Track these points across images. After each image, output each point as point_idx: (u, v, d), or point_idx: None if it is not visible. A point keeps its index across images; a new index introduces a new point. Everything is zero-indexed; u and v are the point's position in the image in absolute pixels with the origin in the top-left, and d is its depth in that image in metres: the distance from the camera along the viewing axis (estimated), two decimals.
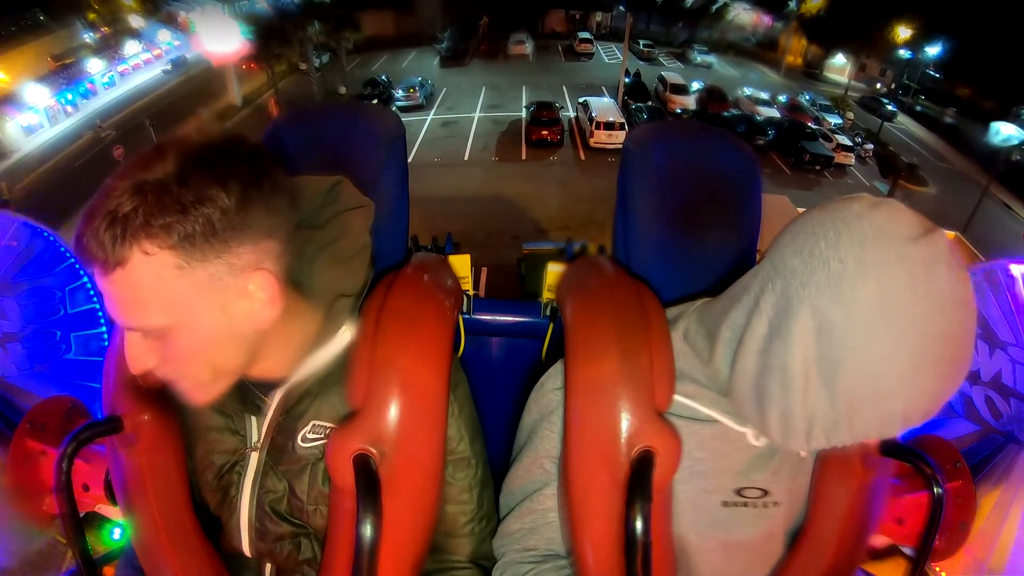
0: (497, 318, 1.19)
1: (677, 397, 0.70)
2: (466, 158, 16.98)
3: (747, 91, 21.83)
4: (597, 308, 0.74)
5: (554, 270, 1.11)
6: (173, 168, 0.56)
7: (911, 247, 0.53)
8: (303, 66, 22.30)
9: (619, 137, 16.86)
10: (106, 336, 1.37)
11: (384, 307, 0.71)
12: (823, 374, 0.57)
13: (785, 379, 0.59)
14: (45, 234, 1.34)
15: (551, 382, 0.79)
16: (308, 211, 0.75)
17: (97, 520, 1.04)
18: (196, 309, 0.61)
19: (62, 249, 1.35)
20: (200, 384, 0.66)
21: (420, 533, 0.73)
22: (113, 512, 0.92)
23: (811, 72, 27.99)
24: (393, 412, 0.67)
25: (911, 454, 0.74)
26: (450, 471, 0.77)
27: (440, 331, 0.73)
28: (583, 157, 16.86)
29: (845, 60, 26.46)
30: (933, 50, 21.79)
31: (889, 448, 0.74)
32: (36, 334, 1.33)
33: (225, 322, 0.63)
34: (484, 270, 9.76)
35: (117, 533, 1.08)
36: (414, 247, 1.02)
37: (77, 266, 1.36)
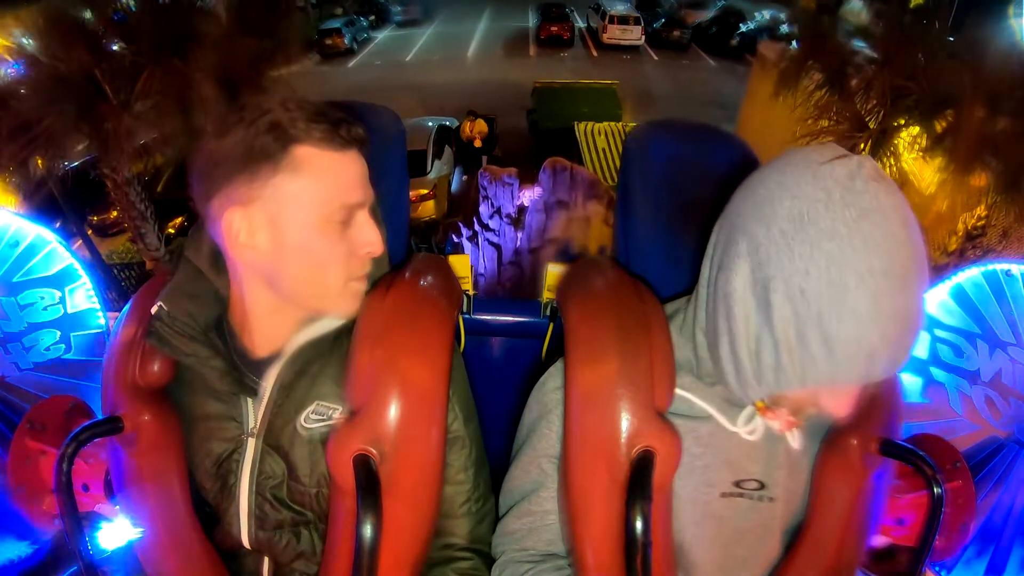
0: (497, 318, 1.19)
1: (676, 390, 0.71)
2: (470, 54, 16.42)
3: (767, 15, 20.90)
4: (597, 309, 0.74)
5: (554, 271, 1.10)
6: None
7: (827, 165, 0.55)
8: (300, 2, 22.23)
9: (634, 33, 16.41)
10: (106, 336, 1.37)
11: (384, 307, 0.72)
12: (758, 298, 0.57)
13: (727, 308, 0.60)
14: (46, 234, 1.34)
15: (551, 381, 0.79)
16: None
17: (97, 520, 1.03)
18: None
19: (63, 249, 1.35)
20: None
21: (420, 533, 0.73)
22: (113, 512, 0.92)
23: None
24: (393, 412, 0.67)
25: (911, 454, 0.74)
26: (445, 451, 0.77)
27: (440, 331, 0.73)
28: (595, 54, 16.46)
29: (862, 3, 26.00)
30: None
31: (889, 448, 0.74)
32: (36, 334, 1.33)
33: None
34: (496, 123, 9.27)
35: (117, 533, 1.08)
36: (414, 247, 1.03)
37: (78, 265, 1.36)
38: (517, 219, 5.17)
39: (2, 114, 3.17)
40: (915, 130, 3.88)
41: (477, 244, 5.21)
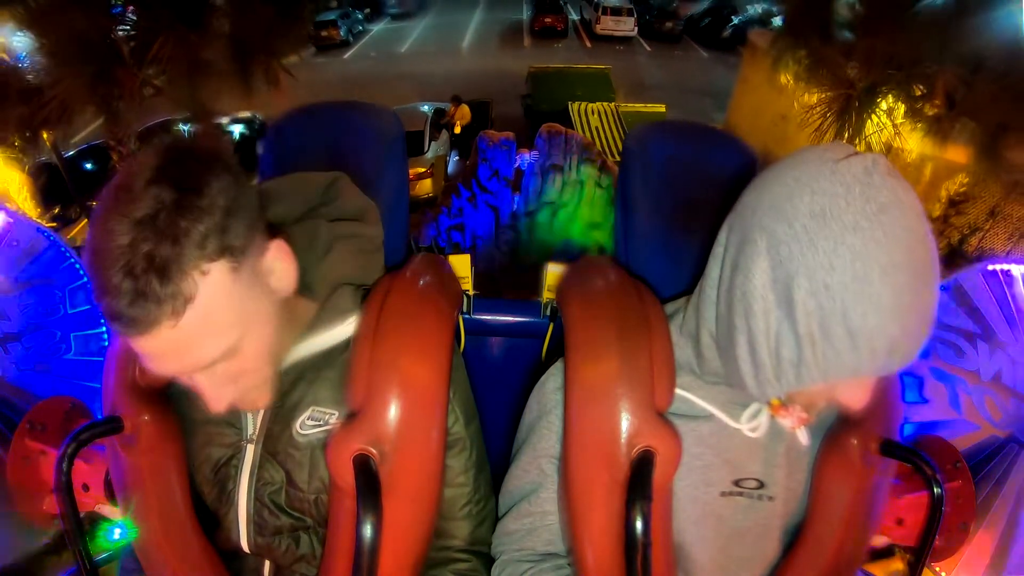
0: (497, 318, 1.19)
1: (676, 390, 0.71)
2: (464, 45, 16.67)
3: (759, 8, 20.68)
4: (597, 308, 0.74)
5: (554, 271, 1.10)
6: (157, 181, 0.53)
7: (844, 162, 0.55)
8: None
9: (627, 25, 16.64)
10: (106, 336, 1.37)
11: (384, 307, 0.72)
12: (778, 295, 0.57)
13: (746, 307, 0.60)
14: (46, 234, 1.34)
15: (552, 381, 0.79)
16: (308, 206, 0.77)
17: (97, 520, 1.04)
18: (255, 305, 0.61)
19: (63, 249, 1.35)
20: (267, 381, 0.68)
21: (420, 533, 0.73)
22: (113, 512, 0.92)
23: None
24: (393, 412, 0.67)
25: (911, 454, 0.74)
26: (445, 451, 0.77)
27: (440, 331, 0.73)
28: (589, 45, 16.72)
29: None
30: None
31: (889, 448, 0.74)
32: (36, 334, 1.33)
33: (272, 304, 0.64)
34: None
35: (117, 533, 1.08)
36: (414, 248, 1.03)
37: (77, 266, 1.36)
38: (515, 182, 5.30)
39: (13, 78, 3.13)
40: (893, 100, 3.92)
41: (475, 206, 5.34)
